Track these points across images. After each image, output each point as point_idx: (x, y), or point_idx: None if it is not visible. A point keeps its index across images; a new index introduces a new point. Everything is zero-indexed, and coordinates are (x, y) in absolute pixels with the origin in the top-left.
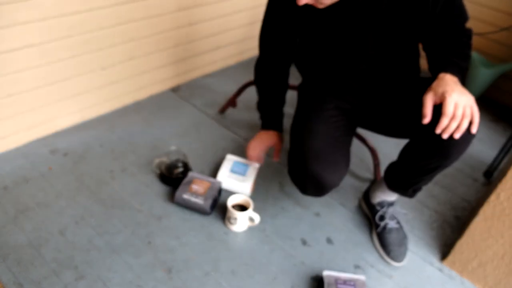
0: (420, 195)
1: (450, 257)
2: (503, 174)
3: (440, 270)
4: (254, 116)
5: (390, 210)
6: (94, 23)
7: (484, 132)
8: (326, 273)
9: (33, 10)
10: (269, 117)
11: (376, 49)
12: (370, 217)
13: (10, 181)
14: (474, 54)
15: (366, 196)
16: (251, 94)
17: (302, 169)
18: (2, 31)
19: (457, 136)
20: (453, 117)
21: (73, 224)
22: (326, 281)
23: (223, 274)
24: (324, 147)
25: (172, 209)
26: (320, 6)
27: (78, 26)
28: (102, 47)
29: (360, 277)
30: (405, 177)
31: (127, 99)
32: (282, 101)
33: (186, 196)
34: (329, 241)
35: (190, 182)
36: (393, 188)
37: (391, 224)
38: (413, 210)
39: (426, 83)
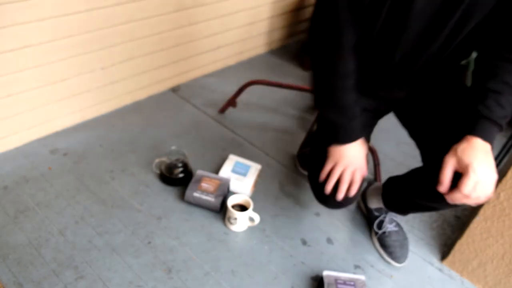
0: None
1: (450, 257)
2: (503, 174)
3: (440, 270)
4: (254, 116)
5: (389, 215)
6: (94, 23)
7: None
8: (326, 273)
9: (33, 10)
10: (353, 115)
11: (441, 43)
12: (369, 220)
13: (10, 181)
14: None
15: (364, 197)
16: (251, 94)
17: (325, 195)
18: (2, 31)
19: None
20: (467, 196)
21: (73, 224)
22: (326, 281)
23: (223, 274)
24: None
25: (172, 209)
26: None
27: (78, 26)
28: (102, 47)
29: (360, 277)
30: (400, 204)
31: (127, 99)
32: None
33: (196, 194)
34: (329, 241)
35: (200, 180)
36: (388, 207)
37: (391, 227)
38: None
39: (467, 98)
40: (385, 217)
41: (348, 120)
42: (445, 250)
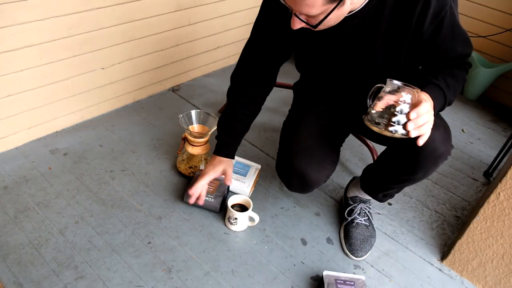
0: (420, 195)
1: (450, 257)
2: (503, 174)
3: (440, 270)
4: None
5: (362, 206)
6: (94, 23)
7: (484, 132)
8: (326, 273)
9: (33, 10)
10: (231, 141)
11: (362, 69)
12: (344, 208)
13: (10, 181)
14: (474, 54)
15: (346, 189)
16: None
17: (288, 164)
18: (2, 31)
19: (420, 142)
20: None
21: (73, 224)
22: (326, 281)
23: (223, 274)
24: (312, 143)
25: (172, 209)
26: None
27: (78, 26)
28: (102, 47)
29: (360, 277)
30: (376, 181)
31: (127, 99)
32: (249, 125)
33: None
34: (329, 241)
35: None
36: (364, 189)
37: (359, 219)
38: (413, 210)
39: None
40: (356, 206)
41: (232, 140)
42: (445, 250)
